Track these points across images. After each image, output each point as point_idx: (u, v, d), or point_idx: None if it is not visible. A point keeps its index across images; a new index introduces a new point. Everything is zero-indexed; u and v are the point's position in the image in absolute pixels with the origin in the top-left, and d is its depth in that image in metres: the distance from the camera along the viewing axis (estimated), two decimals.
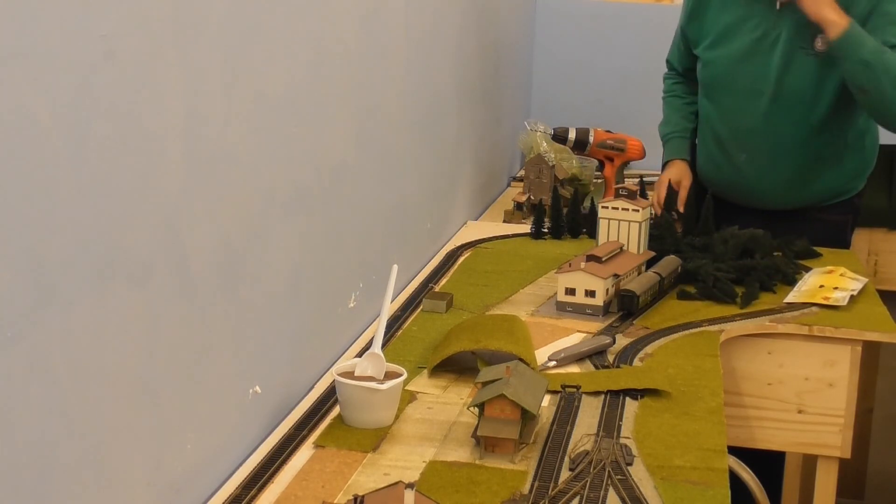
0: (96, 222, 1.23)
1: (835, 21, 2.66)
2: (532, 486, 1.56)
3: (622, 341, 2.16)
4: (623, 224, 2.51)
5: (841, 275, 2.55)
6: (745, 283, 2.48)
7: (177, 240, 1.42)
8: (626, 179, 3.08)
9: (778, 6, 2.79)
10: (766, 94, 2.84)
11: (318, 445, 1.67)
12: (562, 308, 2.33)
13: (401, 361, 1.86)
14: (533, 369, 1.85)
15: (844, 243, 2.96)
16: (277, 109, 1.72)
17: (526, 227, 3.02)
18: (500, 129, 3.60)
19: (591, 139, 3.07)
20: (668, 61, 3.17)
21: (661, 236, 2.66)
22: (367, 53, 2.13)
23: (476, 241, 2.89)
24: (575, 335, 2.18)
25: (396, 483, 1.29)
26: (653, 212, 2.71)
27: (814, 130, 2.84)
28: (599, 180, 3.44)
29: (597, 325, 2.25)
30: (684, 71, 3.10)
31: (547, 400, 1.84)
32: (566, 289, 2.33)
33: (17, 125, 1.08)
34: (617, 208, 2.52)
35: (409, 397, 1.85)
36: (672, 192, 2.89)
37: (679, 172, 3.00)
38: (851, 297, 2.43)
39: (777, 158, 2.87)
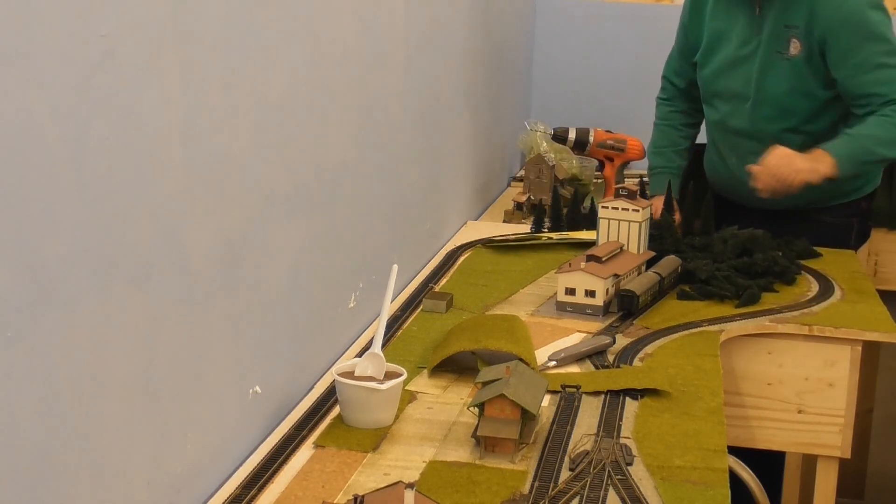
0: (96, 222, 1.23)
1: (816, 170, 2.67)
2: (532, 486, 1.56)
3: (622, 341, 2.16)
4: (623, 224, 2.51)
5: None
6: (745, 283, 2.48)
7: (177, 240, 1.42)
8: (626, 179, 3.08)
9: (757, 11, 2.80)
10: (749, 99, 2.86)
11: (318, 445, 1.67)
12: (562, 308, 2.33)
13: (401, 361, 1.86)
14: (533, 369, 1.85)
15: (846, 246, 2.95)
16: (277, 109, 1.72)
17: (526, 227, 3.02)
18: (500, 129, 3.60)
19: (591, 139, 3.07)
20: (665, 78, 3.13)
21: (661, 236, 2.66)
22: (367, 53, 2.13)
23: (476, 241, 2.89)
24: (575, 335, 2.18)
25: (396, 483, 1.29)
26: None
27: (798, 133, 2.85)
28: (599, 180, 3.44)
29: (597, 325, 2.25)
30: (686, 86, 3.07)
31: (547, 400, 1.84)
32: (566, 289, 2.33)
33: (17, 125, 1.08)
34: (617, 208, 2.52)
35: (409, 397, 1.85)
36: (670, 196, 2.89)
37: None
38: None
39: None
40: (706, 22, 2.93)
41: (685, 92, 3.09)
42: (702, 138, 3.13)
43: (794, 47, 2.76)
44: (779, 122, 2.85)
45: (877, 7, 2.73)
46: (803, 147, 2.79)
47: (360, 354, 1.91)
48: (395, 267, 1.88)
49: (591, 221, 2.81)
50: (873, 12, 2.72)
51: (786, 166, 2.68)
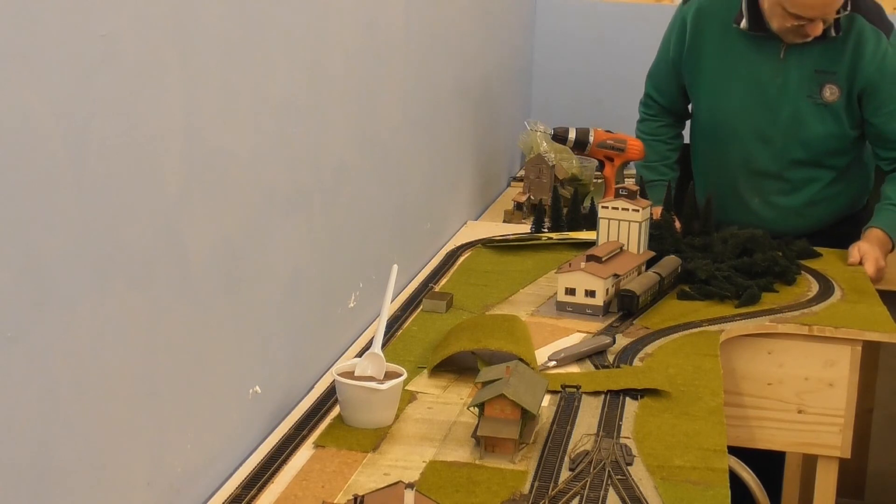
0: (96, 222, 1.23)
1: (887, 251, 2.81)
2: (532, 486, 1.56)
3: (622, 341, 2.16)
4: (623, 224, 2.51)
5: None
6: (745, 283, 2.48)
7: (177, 240, 1.42)
8: (626, 179, 3.08)
9: (782, 55, 2.83)
10: (777, 142, 2.91)
11: (318, 445, 1.67)
12: (562, 308, 2.33)
13: (401, 361, 1.86)
14: (533, 369, 1.85)
15: None
16: (277, 109, 1.72)
17: (526, 227, 3.02)
18: (500, 129, 3.60)
19: (591, 139, 3.06)
20: (648, 95, 3.15)
21: (661, 236, 2.65)
22: (368, 53, 2.13)
23: (476, 241, 2.89)
24: (575, 335, 2.18)
25: (396, 483, 1.29)
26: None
27: (824, 168, 2.94)
28: (599, 180, 3.43)
29: (597, 325, 2.25)
30: (671, 105, 3.11)
31: (547, 400, 1.84)
32: (566, 289, 2.33)
33: (17, 125, 1.08)
34: (617, 208, 2.52)
35: (409, 397, 1.85)
36: (670, 197, 2.89)
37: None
38: None
39: (791, 197, 2.94)
40: (706, 58, 2.94)
41: (669, 109, 3.13)
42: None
43: (831, 93, 2.82)
44: (809, 163, 2.92)
45: None
46: (829, 182, 2.93)
47: (360, 354, 1.91)
48: (395, 267, 1.88)
49: (591, 221, 2.81)
50: None
51: (881, 258, 2.76)
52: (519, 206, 3.22)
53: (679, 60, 2.99)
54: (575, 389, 1.88)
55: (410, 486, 1.28)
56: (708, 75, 2.95)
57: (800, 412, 2.34)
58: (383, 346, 1.81)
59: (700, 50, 2.94)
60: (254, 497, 1.51)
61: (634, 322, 2.28)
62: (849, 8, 2.74)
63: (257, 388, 1.70)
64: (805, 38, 2.76)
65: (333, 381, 1.76)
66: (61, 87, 1.15)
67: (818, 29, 2.72)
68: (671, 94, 3.09)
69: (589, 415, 1.81)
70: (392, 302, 2.00)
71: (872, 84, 2.80)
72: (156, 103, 1.34)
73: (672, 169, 3.12)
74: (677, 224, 2.79)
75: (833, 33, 2.77)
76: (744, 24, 2.83)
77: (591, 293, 2.31)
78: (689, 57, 2.97)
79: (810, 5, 2.68)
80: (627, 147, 3.08)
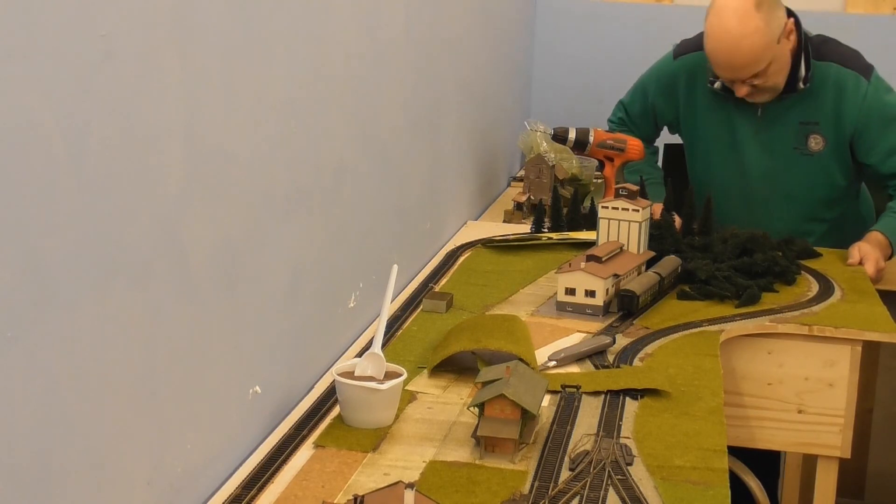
0: (96, 222, 1.23)
1: (887, 255, 2.81)
2: (532, 486, 1.56)
3: (622, 341, 2.16)
4: (623, 224, 2.51)
5: None
6: (745, 283, 2.48)
7: (177, 240, 1.42)
8: (626, 179, 3.08)
9: (759, 113, 2.87)
10: (772, 198, 2.96)
11: (318, 445, 1.67)
12: (562, 308, 2.33)
13: (401, 361, 1.86)
14: (533, 369, 1.85)
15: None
16: (277, 109, 1.72)
17: (526, 227, 3.02)
18: (500, 129, 3.60)
19: (591, 139, 3.06)
20: (621, 118, 3.20)
21: (661, 236, 2.66)
22: (368, 53, 2.13)
23: (476, 241, 2.89)
24: (575, 335, 2.18)
25: (396, 483, 1.29)
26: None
27: (818, 221, 2.98)
28: (599, 180, 3.44)
29: (597, 325, 2.25)
30: (643, 135, 3.15)
31: (547, 400, 1.84)
32: (566, 289, 2.33)
33: (17, 125, 1.08)
34: (617, 208, 2.52)
35: (409, 397, 1.85)
36: (670, 194, 2.90)
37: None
38: None
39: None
40: (698, 121, 2.98)
41: (642, 136, 3.17)
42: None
43: (816, 143, 2.86)
44: (805, 217, 2.96)
45: (890, 91, 2.87)
46: (821, 236, 2.96)
47: (360, 354, 1.91)
48: (395, 267, 1.88)
49: (591, 221, 2.81)
50: (889, 96, 2.86)
51: (881, 259, 2.77)
52: (519, 206, 3.22)
53: (663, 114, 3.07)
54: (575, 389, 1.88)
55: (410, 486, 1.28)
56: (700, 138, 3.01)
57: (800, 412, 2.34)
58: (383, 346, 1.81)
59: (694, 113, 2.99)
60: (254, 497, 1.51)
61: (634, 322, 2.28)
62: (794, 69, 2.78)
63: (257, 388, 1.70)
64: (750, 98, 2.80)
65: (333, 381, 1.76)
66: (61, 87, 1.15)
67: (743, 90, 2.77)
68: (645, 128, 3.16)
69: (589, 415, 1.81)
70: (392, 302, 2.00)
71: (860, 127, 2.83)
72: (156, 103, 1.34)
73: (655, 168, 3.19)
74: (677, 223, 2.79)
75: (802, 85, 2.81)
76: (717, 84, 2.88)
77: (591, 293, 2.31)
78: (686, 121, 3.03)
79: (722, 66, 2.75)
80: (627, 147, 3.08)
